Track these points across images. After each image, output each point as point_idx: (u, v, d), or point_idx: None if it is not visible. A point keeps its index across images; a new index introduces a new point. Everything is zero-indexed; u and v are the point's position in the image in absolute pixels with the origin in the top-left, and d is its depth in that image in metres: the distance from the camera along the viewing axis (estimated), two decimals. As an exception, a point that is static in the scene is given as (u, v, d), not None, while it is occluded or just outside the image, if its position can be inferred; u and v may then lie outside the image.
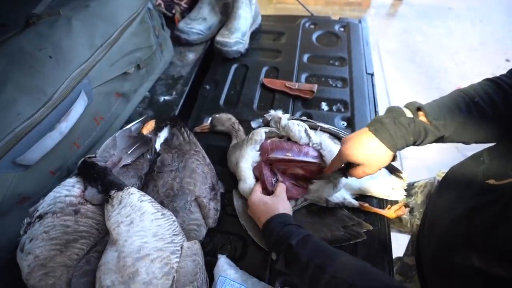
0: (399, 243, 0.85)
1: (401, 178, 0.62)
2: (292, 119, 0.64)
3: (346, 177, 0.55)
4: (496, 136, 0.46)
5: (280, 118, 0.64)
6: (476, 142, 0.48)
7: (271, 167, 0.61)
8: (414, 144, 0.47)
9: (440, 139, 0.47)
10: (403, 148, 0.47)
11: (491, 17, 2.63)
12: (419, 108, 0.46)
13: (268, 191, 0.58)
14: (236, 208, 0.60)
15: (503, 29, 2.50)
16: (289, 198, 0.58)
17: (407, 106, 0.47)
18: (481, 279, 0.39)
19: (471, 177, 0.47)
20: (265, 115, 0.67)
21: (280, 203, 0.54)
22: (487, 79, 0.46)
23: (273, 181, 0.59)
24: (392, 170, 0.63)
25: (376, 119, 0.48)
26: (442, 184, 0.59)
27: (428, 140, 0.46)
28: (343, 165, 0.53)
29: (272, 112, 0.66)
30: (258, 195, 0.56)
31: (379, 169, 0.49)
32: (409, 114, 0.46)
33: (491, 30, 2.50)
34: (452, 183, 0.54)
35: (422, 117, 0.46)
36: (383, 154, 0.47)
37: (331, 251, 0.43)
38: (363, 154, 0.47)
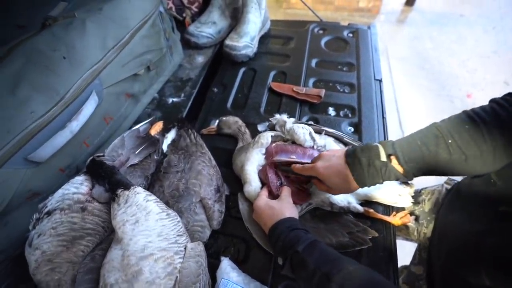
0: (406, 252, 0.83)
1: (409, 184, 0.61)
2: (297, 123, 0.64)
3: (309, 181, 0.58)
4: (472, 172, 0.46)
5: (285, 122, 0.64)
6: (450, 175, 0.48)
7: (276, 170, 0.61)
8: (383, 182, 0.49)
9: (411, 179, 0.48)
10: (371, 185, 0.50)
11: (504, 24, 2.59)
12: (390, 156, 0.47)
13: (273, 195, 0.58)
14: (241, 211, 0.60)
15: (517, 36, 2.46)
16: (294, 203, 0.57)
17: (382, 146, 0.48)
18: None
19: (483, 199, 0.47)
20: (270, 119, 0.68)
21: (286, 207, 0.54)
22: (466, 115, 0.44)
23: (277, 184, 0.59)
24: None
25: (354, 153, 0.49)
26: (453, 198, 0.58)
27: (400, 181, 0.49)
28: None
29: (277, 116, 0.67)
30: (264, 199, 0.56)
31: (340, 194, 0.54)
32: (383, 157, 0.47)
33: (503, 38, 2.45)
34: (464, 201, 0.54)
35: (394, 160, 0.47)
36: (351, 186, 0.50)
37: (339, 258, 0.43)
38: (334, 181, 0.51)
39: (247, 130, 0.71)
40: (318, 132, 0.64)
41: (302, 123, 0.65)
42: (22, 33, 0.53)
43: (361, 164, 0.48)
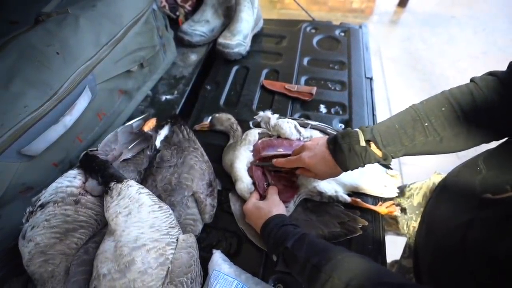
0: (397, 247, 0.85)
1: (394, 175, 0.63)
2: (281, 118, 0.66)
3: (295, 171, 0.59)
4: (448, 151, 0.48)
5: (269, 118, 0.66)
6: (426, 155, 0.50)
7: (262, 170, 0.62)
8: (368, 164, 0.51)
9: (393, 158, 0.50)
10: (356, 169, 0.52)
11: (494, 26, 2.64)
12: (369, 141, 0.49)
13: (262, 197, 0.59)
14: (234, 212, 0.60)
15: (506, 37, 2.51)
16: (284, 202, 0.59)
17: (362, 130, 0.50)
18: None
19: (468, 187, 0.48)
20: (254, 117, 0.70)
21: (273, 204, 0.55)
22: (444, 96, 0.46)
23: (264, 186, 0.61)
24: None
25: (335, 140, 0.52)
26: (440, 191, 0.60)
27: (380, 163, 0.51)
28: None
29: (261, 113, 0.69)
30: (251, 201, 0.57)
31: (328, 178, 0.55)
32: (362, 142, 0.49)
33: (493, 39, 2.51)
34: (450, 192, 0.55)
35: (373, 145, 0.49)
36: (336, 170, 0.53)
37: (327, 249, 0.43)
38: (319, 168, 0.53)
39: (239, 127, 0.72)
40: (303, 125, 0.67)
41: (286, 118, 0.67)
42: (15, 29, 0.53)
43: (342, 150, 0.50)
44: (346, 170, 0.52)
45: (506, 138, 0.46)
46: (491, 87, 0.43)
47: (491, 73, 0.45)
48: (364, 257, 0.41)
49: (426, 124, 0.45)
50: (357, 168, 0.51)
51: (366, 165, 0.51)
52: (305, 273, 0.42)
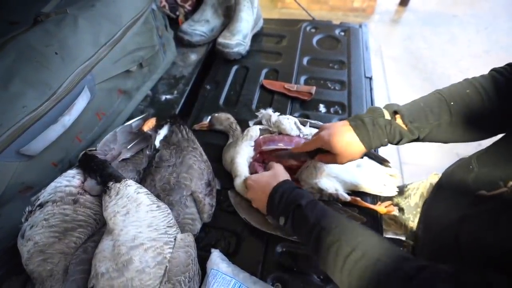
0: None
1: (393, 175, 0.63)
2: (282, 115, 0.68)
3: (312, 159, 0.57)
4: (471, 138, 0.48)
5: (270, 115, 0.67)
6: (452, 142, 0.50)
7: (263, 165, 0.63)
8: (389, 144, 0.50)
9: (416, 140, 0.49)
10: (377, 147, 0.50)
11: (496, 25, 2.63)
12: (396, 112, 0.48)
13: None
14: (234, 205, 0.60)
15: (508, 36, 2.50)
16: None
17: (386, 107, 0.50)
18: None
19: (462, 185, 0.48)
20: (256, 113, 0.71)
21: (281, 172, 0.55)
22: (467, 82, 0.47)
23: (259, 168, 0.61)
24: (381, 160, 0.66)
25: (357, 116, 0.50)
26: (435, 190, 0.60)
27: (403, 141, 0.49)
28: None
29: (262, 111, 0.70)
30: (254, 175, 0.56)
31: (348, 162, 0.52)
32: (387, 116, 0.48)
33: (495, 38, 2.49)
34: (445, 191, 0.55)
35: (399, 119, 0.48)
36: (357, 149, 0.50)
37: (339, 216, 0.43)
38: (341, 145, 0.49)
39: (238, 127, 0.72)
40: (302, 124, 0.68)
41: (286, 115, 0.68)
42: (15, 30, 0.53)
43: (365, 124, 0.48)
44: (369, 148, 0.49)
45: (497, 137, 0.47)
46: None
47: (510, 64, 0.46)
48: (371, 229, 0.41)
49: (452, 103, 0.45)
50: (381, 145, 0.49)
51: (395, 144, 0.49)
52: (313, 234, 0.42)
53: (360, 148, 0.49)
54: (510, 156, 0.42)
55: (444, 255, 0.46)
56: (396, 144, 0.49)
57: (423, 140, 0.49)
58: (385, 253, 0.35)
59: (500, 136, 0.47)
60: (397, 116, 0.48)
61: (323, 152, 0.53)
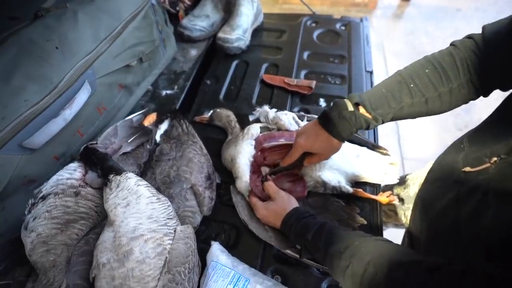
0: (397, 240, 0.85)
1: (393, 163, 0.64)
2: (279, 111, 0.68)
3: (303, 165, 0.60)
4: (433, 113, 0.51)
5: (267, 112, 0.68)
6: (416, 118, 0.52)
7: (257, 176, 0.62)
8: (360, 130, 0.52)
9: (382, 123, 0.52)
10: (349, 137, 0.53)
11: (499, 19, 2.59)
12: (357, 104, 0.50)
13: (262, 197, 0.59)
14: (235, 203, 0.61)
15: (512, 31, 2.46)
16: (300, 196, 0.59)
17: (349, 98, 0.52)
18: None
19: (452, 165, 0.49)
20: (253, 112, 0.71)
21: (284, 201, 0.55)
22: (426, 59, 0.49)
23: (260, 188, 0.60)
24: (380, 149, 0.67)
25: (324, 113, 0.53)
26: (430, 173, 0.61)
27: (371, 127, 0.51)
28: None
29: (259, 109, 0.70)
30: (261, 206, 0.57)
31: (332, 155, 0.56)
32: (350, 107, 0.50)
33: (499, 32, 2.46)
34: (438, 172, 0.56)
35: (362, 109, 0.50)
36: (333, 144, 0.53)
37: (345, 237, 0.44)
38: (317, 145, 0.54)
39: (237, 125, 0.72)
40: (300, 118, 0.69)
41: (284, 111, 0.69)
42: (15, 25, 0.54)
43: (332, 120, 0.51)
44: (342, 140, 0.53)
45: (487, 117, 0.49)
46: (468, 48, 0.46)
47: (468, 36, 0.48)
48: (381, 238, 0.42)
49: (412, 85, 0.48)
50: (351, 135, 0.52)
51: (366, 129, 0.52)
52: (327, 260, 0.44)
53: (335, 141, 0.53)
54: (497, 134, 0.42)
55: (441, 235, 0.47)
56: (366, 129, 0.52)
57: (391, 120, 0.52)
58: (396, 261, 0.36)
59: (490, 113, 0.49)
60: (360, 106, 0.50)
61: (309, 155, 0.57)
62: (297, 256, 0.52)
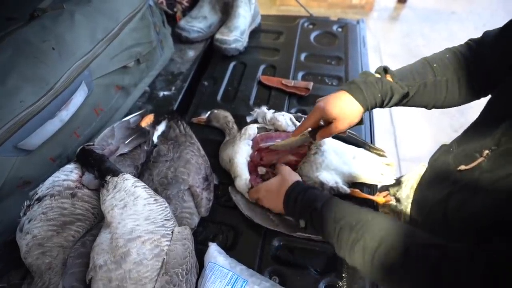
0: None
1: (389, 164, 0.64)
2: (276, 112, 0.68)
3: (314, 140, 0.58)
4: (455, 99, 0.54)
5: (265, 113, 0.68)
6: (438, 105, 0.55)
7: (256, 176, 0.62)
8: (382, 103, 0.52)
9: (405, 98, 0.53)
10: (373, 107, 0.53)
11: (494, 22, 2.62)
12: (386, 71, 0.53)
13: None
14: (236, 202, 0.60)
15: (506, 33, 2.50)
16: None
17: (376, 70, 0.55)
18: None
19: (444, 166, 0.51)
20: (250, 112, 0.71)
21: (289, 174, 0.55)
22: (447, 49, 0.55)
23: (259, 181, 0.61)
24: (376, 151, 0.67)
25: (349, 81, 0.54)
26: (423, 177, 0.62)
27: (394, 98, 0.52)
28: (309, 130, 0.57)
29: (256, 109, 0.70)
30: (261, 186, 0.57)
31: (350, 127, 0.54)
32: (377, 75, 0.53)
33: (494, 35, 2.49)
34: (431, 175, 0.57)
35: (389, 77, 0.52)
36: (355, 109, 0.52)
37: (357, 211, 0.43)
38: (338, 108, 0.51)
39: (234, 126, 0.72)
40: (297, 119, 0.69)
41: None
42: (11, 25, 0.54)
43: (357, 84, 0.51)
44: (365, 106, 0.51)
45: (474, 120, 0.52)
46: (482, 45, 0.52)
47: (485, 34, 0.53)
48: (392, 218, 0.42)
49: (435, 65, 0.52)
50: (376, 102, 0.51)
51: (387, 104, 0.52)
52: (335, 233, 0.42)
53: (357, 107, 0.51)
54: (484, 131, 0.43)
55: (434, 231, 0.48)
56: (389, 103, 0.52)
57: (410, 101, 0.54)
58: (410, 241, 0.36)
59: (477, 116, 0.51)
60: (387, 75, 0.53)
61: (323, 127, 0.55)
62: (308, 236, 0.51)
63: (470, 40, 0.54)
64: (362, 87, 0.50)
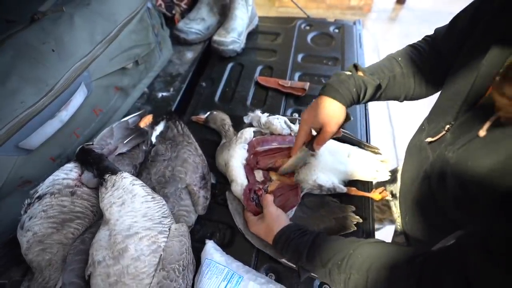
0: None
1: (384, 160, 0.65)
2: (270, 116, 0.69)
3: (313, 150, 0.58)
4: (422, 90, 0.59)
5: (259, 117, 0.68)
6: (406, 99, 0.60)
7: (249, 190, 0.61)
8: (359, 98, 0.56)
9: (378, 91, 0.57)
10: (352, 102, 0.55)
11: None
12: (356, 68, 0.57)
13: (255, 212, 0.59)
14: (232, 212, 0.61)
15: (504, 34, 2.50)
16: (294, 204, 0.59)
17: (348, 68, 0.58)
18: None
19: (418, 144, 0.55)
20: (244, 117, 0.71)
21: (272, 220, 0.54)
22: (408, 45, 0.60)
23: (253, 204, 0.60)
24: (371, 148, 0.68)
25: (323, 86, 0.56)
26: (404, 159, 0.66)
27: (369, 91, 0.55)
28: (304, 143, 0.59)
29: (250, 114, 0.70)
30: (253, 222, 0.57)
31: (339, 126, 0.56)
32: (348, 72, 0.57)
33: (492, 35, 2.50)
34: (409, 154, 0.61)
35: (360, 73, 0.56)
36: (337, 108, 0.54)
37: (338, 248, 0.45)
38: (321, 113, 0.54)
39: (231, 129, 0.72)
40: (292, 121, 0.69)
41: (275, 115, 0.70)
42: (12, 28, 0.55)
43: (330, 84, 0.54)
44: (345, 103, 0.54)
45: (436, 100, 0.55)
46: (435, 39, 0.58)
47: (436, 30, 0.58)
48: (374, 240, 0.44)
49: (400, 59, 0.58)
50: (353, 97, 0.54)
51: (363, 98, 0.55)
52: (327, 276, 0.45)
53: (337, 105, 0.54)
54: (445, 108, 0.48)
55: (425, 208, 0.52)
56: (364, 97, 0.56)
57: (384, 94, 0.58)
58: (393, 261, 0.39)
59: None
60: (358, 72, 0.56)
61: (316, 137, 0.57)
62: (293, 266, 0.53)
63: (427, 36, 0.59)
64: (336, 86, 0.53)
